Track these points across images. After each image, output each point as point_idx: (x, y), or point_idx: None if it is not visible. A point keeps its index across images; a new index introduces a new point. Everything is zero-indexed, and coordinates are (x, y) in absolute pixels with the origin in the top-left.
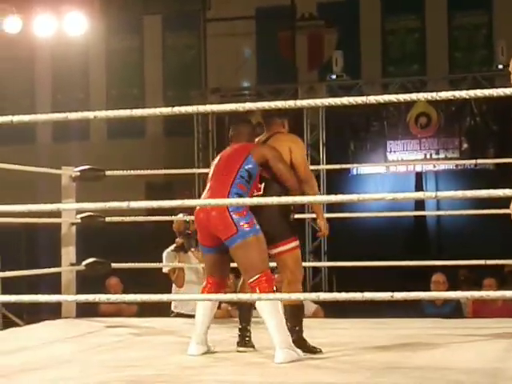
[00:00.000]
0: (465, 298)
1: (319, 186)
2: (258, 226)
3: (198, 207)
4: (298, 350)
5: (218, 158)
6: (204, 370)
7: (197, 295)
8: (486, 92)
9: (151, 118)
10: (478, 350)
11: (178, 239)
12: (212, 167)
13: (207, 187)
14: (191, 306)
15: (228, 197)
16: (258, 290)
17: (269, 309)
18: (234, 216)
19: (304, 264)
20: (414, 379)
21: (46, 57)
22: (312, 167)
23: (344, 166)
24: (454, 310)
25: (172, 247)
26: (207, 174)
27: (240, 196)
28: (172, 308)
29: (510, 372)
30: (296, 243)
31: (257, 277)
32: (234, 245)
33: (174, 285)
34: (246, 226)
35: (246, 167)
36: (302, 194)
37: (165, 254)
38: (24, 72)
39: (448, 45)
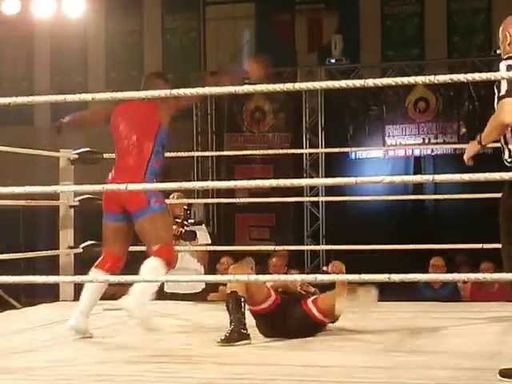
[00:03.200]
0: (462, 282)
1: (318, 170)
2: (164, 205)
3: (110, 175)
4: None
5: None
6: (202, 351)
7: (193, 276)
8: (484, 75)
9: None
10: (476, 334)
11: (176, 227)
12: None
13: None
14: (184, 285)
15: (145, 176)
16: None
17: (148, 271)
18: (147, 192)
19: (303, 248)
20: (411, 363)
21: (44, 38)
22: (311, 150)
23: (343, 149)
24: (451, 294)
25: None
26: (206, 157)
27: (156, 174)
28: (165, 289)
29: (508, 355)
30: None
31: (158, 246)
32: (142, 217)
33: None
34: (156, 202)
35: (160, 138)
36: None
37: None
38: (22, 53)
39: (447, 30)
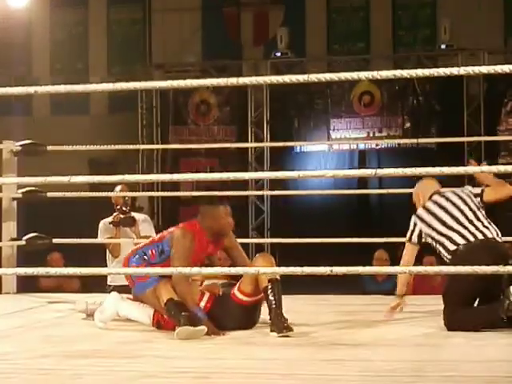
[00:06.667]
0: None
1: (263, 164)
2: None
3: None
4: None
5: None
6: (143, 346)
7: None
8: (427, 72)
9: (95, 95)
10: (417, 326)
11: (116, 214)
12: None
13: None
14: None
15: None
16: None
17: None
18: None
19: (247, 241)
20: (353, 356)
21: None
22: (256, 145)
23: (287, 143)
24: (394, 287)
25: (109, 219)
26: (151, 150)
27: None
28: (108, 282)
29: (450, 346)
30: None
31: None
32: None
33: (109, 256)
34: None
35: None
36: None
37: (101, 225)
38: None
39: (392, 24)
